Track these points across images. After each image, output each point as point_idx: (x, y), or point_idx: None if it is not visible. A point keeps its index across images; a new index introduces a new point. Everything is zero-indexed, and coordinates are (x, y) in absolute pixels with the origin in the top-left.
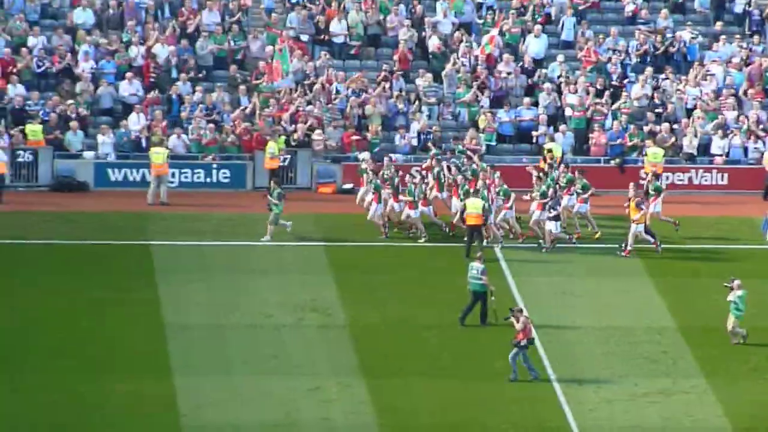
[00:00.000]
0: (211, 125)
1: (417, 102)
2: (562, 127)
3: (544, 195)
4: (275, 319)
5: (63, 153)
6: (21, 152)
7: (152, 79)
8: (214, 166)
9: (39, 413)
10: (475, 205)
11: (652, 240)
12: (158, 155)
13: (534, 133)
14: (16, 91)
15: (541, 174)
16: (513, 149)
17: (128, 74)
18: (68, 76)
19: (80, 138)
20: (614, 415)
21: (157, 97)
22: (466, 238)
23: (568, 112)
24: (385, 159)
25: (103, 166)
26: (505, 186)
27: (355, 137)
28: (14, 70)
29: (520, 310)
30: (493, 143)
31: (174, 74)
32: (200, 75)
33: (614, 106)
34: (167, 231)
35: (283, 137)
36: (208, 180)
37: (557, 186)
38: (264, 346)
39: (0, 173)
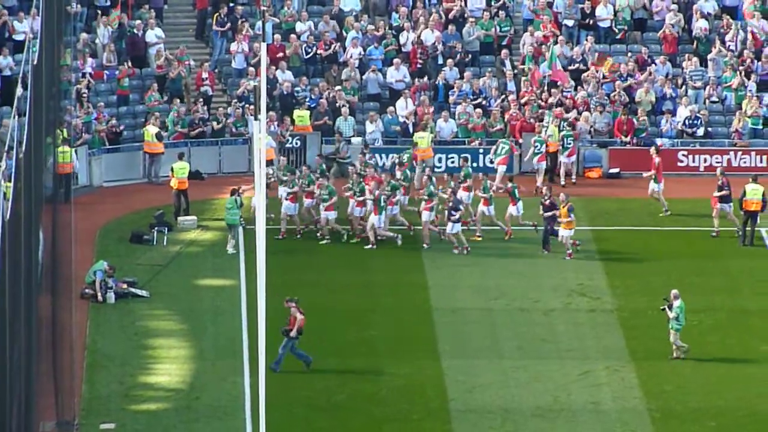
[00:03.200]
0: (478, 110)
1: (683, 86)
2: None
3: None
4: (543, 304)
5: (331, 139)
6: (289, 138)
7: (419, 65)
8: (481, 150)
9: (315, 393)
10: (754, 191)
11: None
12: (422, 140)
13: None
14: (284, 77)
15: None
16: None
17: (395, 60)
18: (334, 62)
19: (351, 124)
20: None
21: (425, 83)
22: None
23: None
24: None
25: (370, 150)
26: None
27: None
28: (283, 56)
29: (292, 300)
30: (759, 127)
31: (440, 60)
32: (467, 60)
33: None
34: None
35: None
36: (475, 164)
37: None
38: (533, 329)
39: (268, 159)
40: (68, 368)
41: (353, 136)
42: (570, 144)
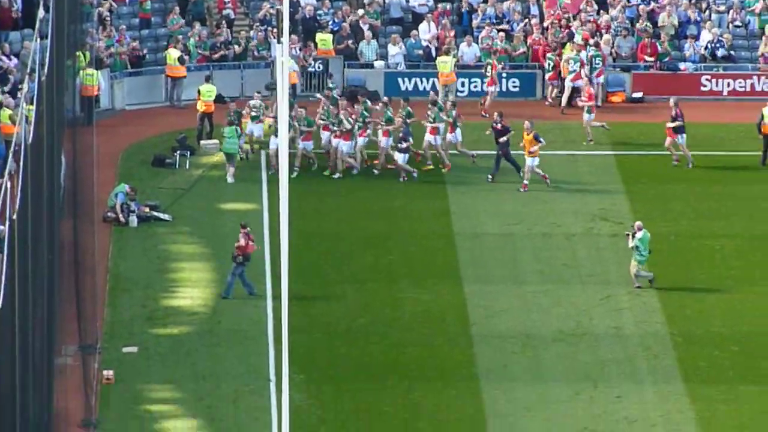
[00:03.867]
0: (501, 34)
1: (707, 11)
2: None
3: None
4: (565, 228)
5: (353, 63)
6: (311, 62)
7: None
8: (504, 75)
9: (335, 318)
10: None
11: (541, 174)
12: (445, 64)
13: None
14: (307, 0)
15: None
16: None
17: None
18: None
19: (374, 48)
20: None
21: (447, 10)
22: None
23: None
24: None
25: (393, 75)
26: None
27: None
28: None
29: (244, 226)
30: None
31: None
32: None
33: None
34: None
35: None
36: (498, 89)
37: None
38: (555, 254)
39: (292, 83)
40: (90, 292)
41: (376, 59)
42: (598, 65)
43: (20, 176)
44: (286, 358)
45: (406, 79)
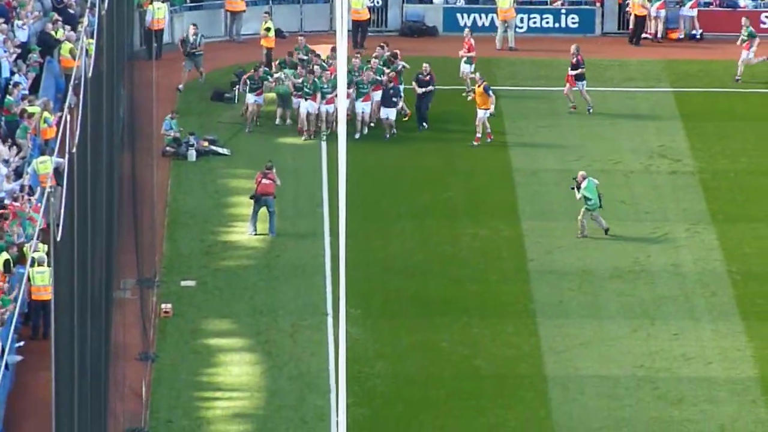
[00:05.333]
0: None
1: None
2: None
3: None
4: (624, 165)
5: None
6: None
7: None
8: (563, 11)
9: (392, 254)
10: None
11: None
12: (504, 0)
13: None
14: None
15: None
16: None
17: None
18: None
19: None
20: None
21: None
22: None
23: None
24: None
25: (452, 11)
26: None
27: None
28: None
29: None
30: None
31: None
32: None
33: None
34: (515, 76)
35: None
36: (557, 25)
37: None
38: (613, 191)
39: (363, 19)
40: (149, 226)
41: None
42: None
43: (80, 110)
44: (343, 293)
45: (464, 15)
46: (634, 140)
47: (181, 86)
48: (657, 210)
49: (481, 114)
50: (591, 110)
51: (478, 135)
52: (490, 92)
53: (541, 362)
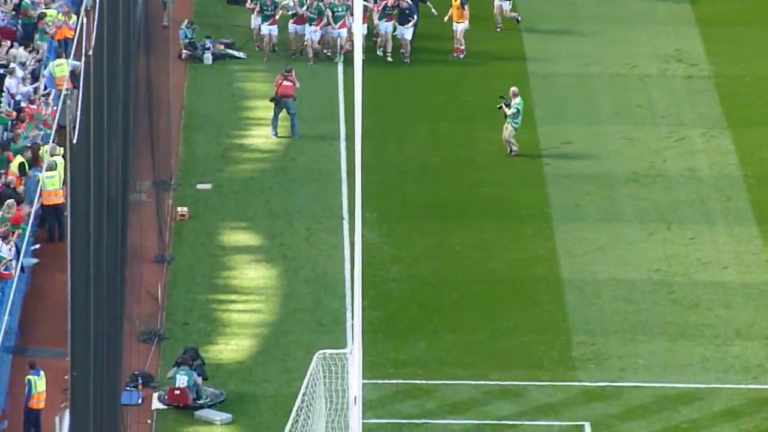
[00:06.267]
0: None
1: None
2: None
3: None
4: (640, 69)
5: None
6: None
7: None
8: None
9: (407, 157)
10: None
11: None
12: None
13: None
14: None
15: None
16: None
17: None
18: None
19: None
20: None
21: None
22: None
23: None
24: None
25: None
26: None
27: None
28: None
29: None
30: None
31: None
32: None
33: None
34: None
35: None
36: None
37: None
38: (629, 95)
39: None
40: (165, 129)
41: None
42: None
43: (96, 12)
44: (359, 196)
45: None
46: (651, 45)
47: None
48: (673, 114)
49: (459, 27)
50: (519, 21)
51: (460, 47)
52: (466, 7)
53: (557, 266)
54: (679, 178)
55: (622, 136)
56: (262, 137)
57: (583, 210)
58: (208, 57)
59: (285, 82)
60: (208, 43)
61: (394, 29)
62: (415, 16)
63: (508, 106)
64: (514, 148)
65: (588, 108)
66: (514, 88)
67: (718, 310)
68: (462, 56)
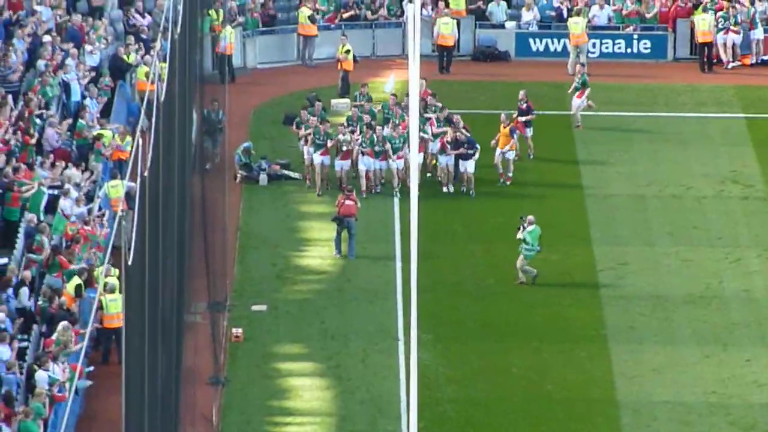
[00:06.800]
0: None
1: None
2: None
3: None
4: (696, 191)
5: (485, 23)
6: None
7: None
8: (635, 36)
9: (463, 277)
10: None
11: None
12: (576, 25)
13: None
14: None
15: None
16: None
17: None
18: None
19: (503, 9)
20: None
21: None
22: None
23: None
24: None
25: (524, 36)
26: None
27: None
28: None
29: (349, 189)
30: None
31: None
32: None
33: None
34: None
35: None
36: (629, 50)
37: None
38: (685, 216)
39: (448, 46)
40: (221, 249)
41: (506, 21)
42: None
43: (152, 133)
44: (415, 317)
45: (537, 39)
46: (706, 165)
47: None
48: (729, 235)
49: (500, 152)
50: (531, 156)
51: (502, 172)
52: (515, 135)
53: (613, 387)
54: (735, 299)
55: (678, 257)
56: (317, 258)
57: (639, 331)
58: (263, 178)
59: (347, 202)
60: (263, 164)
61: (456, 162)
62: (477, 147)
63: (523, 229)
64: (521, 277)
65: (643, 229)
66: (530, 217)
67: None
68: (509, 183)
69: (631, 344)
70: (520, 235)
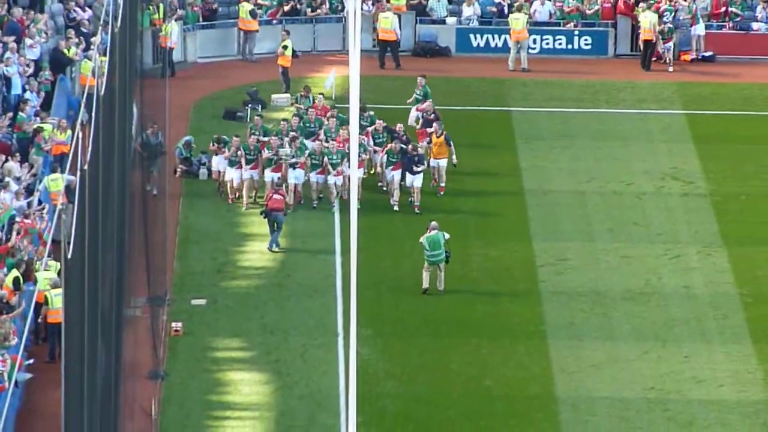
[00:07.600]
0: None
1: None
2: None
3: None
4: (636, 187)
5: (425, 18)
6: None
7: None
8: (576, 32)
9: (403, 273)
10: None
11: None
12: (517, 21)
13: None
14: None
15: None
16: None
17: None
18: None
19: (444, 4)
20: None
21: None
22: None
23: None
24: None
25: (465, 31)
26: None
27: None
28: None
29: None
30: None
31: None
32: None
33: None
34: (528, 97)
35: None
36: (570, 47)
37: None
38: (625, 213)
39: (392, 39)
40: (161, 244)
41: (447, 16)
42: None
43: (92, 127)
44: (354, 312)
45: (477, 35)
46: (647, 162)
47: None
48: (669, 232)
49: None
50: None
51: (442, 184)
52: (451, 142)
53: (552, 383)
54: (674, 295)
55: (618, 253)
56: (257, 252)
57: (578, 327)
58: (203, 172)
59: (275, 196)
60: (203, 159)
61: (402, 177)
62: (424, 164)
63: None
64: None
65: (584, 225)
66: (433, 223)
67: (714, 429)
68: (442, 193)
69: (571, 340)
70: (421, 239)
